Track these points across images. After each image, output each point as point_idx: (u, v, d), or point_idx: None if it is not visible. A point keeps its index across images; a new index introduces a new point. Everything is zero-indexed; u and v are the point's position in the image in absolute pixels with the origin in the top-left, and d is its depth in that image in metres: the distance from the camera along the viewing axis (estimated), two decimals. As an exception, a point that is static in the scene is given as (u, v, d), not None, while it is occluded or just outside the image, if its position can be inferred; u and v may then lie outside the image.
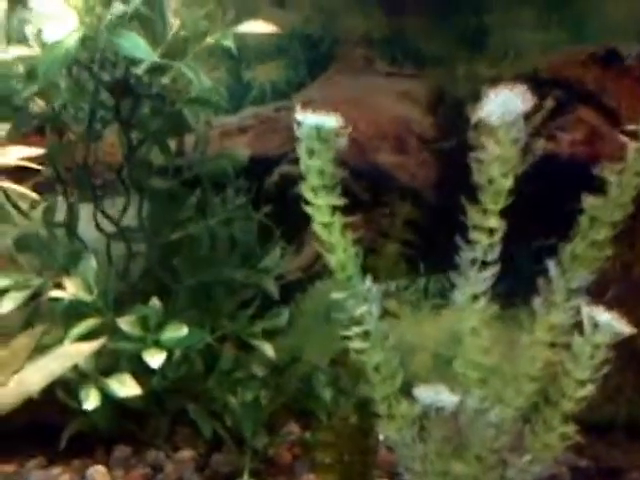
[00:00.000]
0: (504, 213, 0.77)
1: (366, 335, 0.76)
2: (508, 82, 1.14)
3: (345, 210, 0.78)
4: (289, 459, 1.09)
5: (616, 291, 1.10)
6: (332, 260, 0.78)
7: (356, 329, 0.77)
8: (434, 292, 1.00)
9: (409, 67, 1.26)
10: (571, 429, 0.76)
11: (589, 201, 0.70)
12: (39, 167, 0.95)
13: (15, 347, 1.01)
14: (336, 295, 0.79)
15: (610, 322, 0.77)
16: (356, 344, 0.78)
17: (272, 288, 1.15)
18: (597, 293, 1.05)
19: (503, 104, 0.72)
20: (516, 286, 0.83)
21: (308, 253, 1.08)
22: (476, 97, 0.90)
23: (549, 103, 1.13)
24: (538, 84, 1.17)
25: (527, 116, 1.09)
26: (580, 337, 0.79)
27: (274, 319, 1.16)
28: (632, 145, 0.68)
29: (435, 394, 0.82)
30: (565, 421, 0.76)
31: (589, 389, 0.78)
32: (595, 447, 1.07)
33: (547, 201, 0.92)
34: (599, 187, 0.72)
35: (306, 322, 1.16)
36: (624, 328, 0.76)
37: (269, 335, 1.17)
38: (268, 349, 1.13)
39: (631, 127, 0.67)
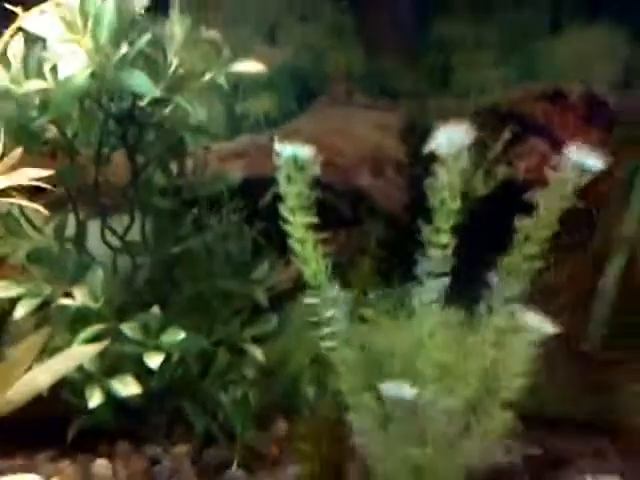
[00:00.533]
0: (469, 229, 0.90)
1: (334, 335, 0.84)
2: (472, 115, 1.27)
3: (329, 226, 0.86)
4: (276, 452, 1.16)
5: (564, 299, 1.22)
6: (306, 271, 0.86)
7: (326, 329, 0.84)
8: (408, 301, 1.11)
9: (385, 101, 1.35)
10: (508, 416, 0.85)
11: (522, 221, 0.79)
12: (51, 187, 1.05)
13: (25, 346, 1.09)
14: (309, 301, 0.85)
15: (538, 323, 0.85)
16: (327, 343, 0.85)
17: (262, 298, 1.23)
18: (547, 301, 1.17)
19: (449, 138, 0.81)
20: (473, 294, 0.95)
21: (297, 266, 1.18)
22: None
23: (507, 134, 1.28)
24: (498, 117, 1.32)
25: (487, 145, 1.22)
26: (514, 336, 0.87)
27: (263, 325, 1.23)
28: (554, 174, 0.78)
29: (397, 388, 0.92)
30: (504, 408, 0.84)
31: (523, 380, 0.86)
32: (547, 439, 1.16)
33: (507, 219, 1.03)
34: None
35: (293, 328, 1.25)
36: (550, 329, 0.84)
37: (259, 340, 1.25)
38: (258, 353, 1.20)
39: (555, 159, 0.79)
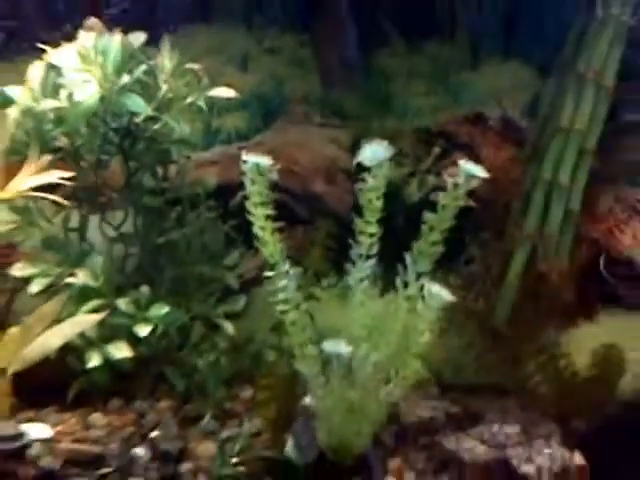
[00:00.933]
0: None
1: (286, 301, 1.06)
2: (408, 134, 1.49)
3: (289, 223, 1.10)
4: (242, 409, 1.34)
5: (481, 285, 1.39)
6: (265, 252, 1.08)
7: (280, 296, 1.06)
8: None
9: (336, 120, 1.55)
10: (417, 365, 1.06)
11: (428, 215, 1.03)
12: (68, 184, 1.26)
13: (39, 314, 1.28)
14: (267, 274, 1.07)
15: (439, 292, 1.06)
16: (280, 307, 1.07)
17: (233, 281, 1.45)
18: (467, 287, 1.38)
19: (373, 152, 1.03)
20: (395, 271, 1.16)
21: (262, 256, 1.39)
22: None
23: (436, 150, 1.49)
24: (430, 136, 1.54)
25: (420, 158, 1.44)
26: (422, 303, 1.08)
27: (233, 304, 1.44)
28: (450, 179, 1.01)
29: (336, 345, 1.10)
30: (416, 359, 1.06)
31: (428, 336, 1.08)
32: (465, 399, 1.35)
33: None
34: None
35: (258, 307, 1.42)
36: (449, 297, 1.05)
37: (230, 317, 1.44)
38: (229, 327, 1.40)
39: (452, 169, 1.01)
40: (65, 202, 1.27)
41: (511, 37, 1.88)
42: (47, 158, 1.27)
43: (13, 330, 1.30)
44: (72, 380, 1.37)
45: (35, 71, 1.33)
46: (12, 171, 1.28)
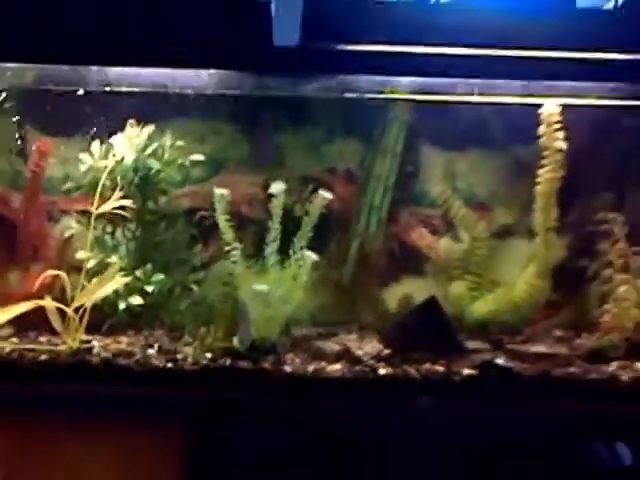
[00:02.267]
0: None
1: (235, 263, 1.82)
2: (299, 179, 2.25)
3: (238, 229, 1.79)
4: (206, 329, 1.88)
5: (336, 260, 2.05)
6: (226, 239, 1.77)
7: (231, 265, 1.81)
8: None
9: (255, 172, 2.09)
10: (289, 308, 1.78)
11: (305, 218, 1.91)
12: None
13: (101, 278, 1.83)
14: (226, 249, 1.78)
15: (310, 255, 1.74)
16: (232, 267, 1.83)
17: (197, 262, 2.05)
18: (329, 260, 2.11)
19: (276, 187, 1.73)
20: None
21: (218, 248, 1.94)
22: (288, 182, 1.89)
23: (310, 186, 2.01)
24: (307, 179, 2.09)
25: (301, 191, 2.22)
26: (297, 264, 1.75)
27: (197, 275, 2.04)
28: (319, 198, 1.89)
29: (260, 287, 1.75)
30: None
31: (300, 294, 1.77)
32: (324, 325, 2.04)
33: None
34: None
35: (212, 277, 2.05)
36: (314, 257, 1.73)
37: (196, 283, 2.04)
38: (195, 288, 2.01)
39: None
40: (125, 214, 1.90)
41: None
42: (119, 194, 1.86)
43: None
44: (107, 318, 1.97)
45: (95, 145, 1.94)
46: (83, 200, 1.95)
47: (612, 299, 1.95)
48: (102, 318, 1.96)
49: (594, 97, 1.81)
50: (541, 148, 1.86)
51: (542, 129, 1.81)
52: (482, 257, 2.06)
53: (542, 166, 1.85)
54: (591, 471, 1.85)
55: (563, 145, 1.80)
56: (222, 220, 1.81)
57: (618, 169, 2.05)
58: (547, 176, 1.83)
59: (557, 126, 1.79)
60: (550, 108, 1.79)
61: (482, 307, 2.01)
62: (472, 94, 1.79)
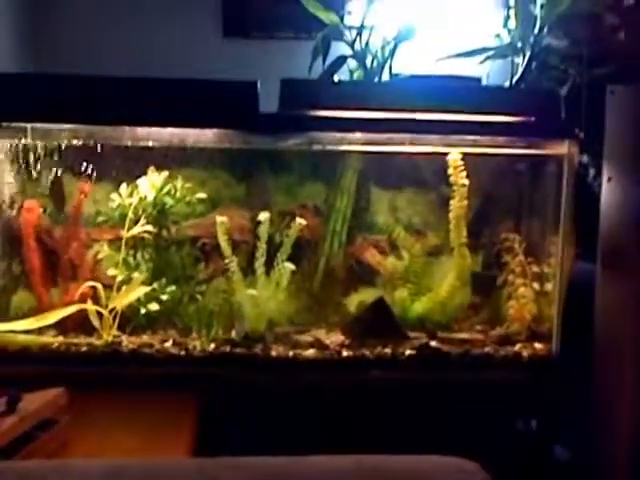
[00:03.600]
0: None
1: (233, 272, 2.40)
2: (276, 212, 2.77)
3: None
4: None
5: (307, 271, 2.63)
6: (225, 255, 2.18)
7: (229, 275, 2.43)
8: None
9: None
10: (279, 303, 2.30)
11: (285, 239, 2.47)
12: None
13: (132, 285, 2.16)
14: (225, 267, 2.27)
15: (289, 265, 2.15)
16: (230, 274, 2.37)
17: (201, 277, 2.33)
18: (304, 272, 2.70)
19: (262, 216, 2.35)
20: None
21: (216, 268, 2.45)
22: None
23: (287, 218, 2.66)
24: (285, 213, 2.41)
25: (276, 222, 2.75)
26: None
27: (201, 287, 2.35)
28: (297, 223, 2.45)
29: (251, 292, 2.41)
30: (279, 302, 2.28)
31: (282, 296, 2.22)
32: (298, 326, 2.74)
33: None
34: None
35: (211, 289, 2.37)
36: (292, 267, 2.16)
37: (200, 293, 2.35)
38: (200, 298, 2.32)
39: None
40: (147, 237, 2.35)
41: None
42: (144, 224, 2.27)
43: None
44: (130, 321, 2.25)
45: (124, 186, 2.30)
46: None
47: (514, 297, 2.50)
48: (127, 323, 2.26)
49: (493, 147, 2.37)
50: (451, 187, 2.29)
51: (450, 170, 2.36)
52: (419, 270, 2.51)
53: (452, 197, 2.34)
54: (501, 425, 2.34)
55: (466, 181, 2.32)
56: (222, 240, 2.17)
57: (515, 201, 2.62)
58: (456, 205, 2.34)
59: (460, 168, 2.33)
60: (454, 155, 2.33)
61: (419, 306, 2.46)
62: (404, 144, 2.32)
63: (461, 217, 2.28)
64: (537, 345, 2.36)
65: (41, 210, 2.33)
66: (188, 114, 2.15)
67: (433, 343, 2.29)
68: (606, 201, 2.03)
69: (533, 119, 2.20)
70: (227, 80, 2.11)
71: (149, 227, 2.25)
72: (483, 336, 2.40)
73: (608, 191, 2.01)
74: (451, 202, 2.32)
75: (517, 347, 2.39)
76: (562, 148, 2.25)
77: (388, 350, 2.29)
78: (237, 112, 2.16)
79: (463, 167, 2.25)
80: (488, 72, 2.51)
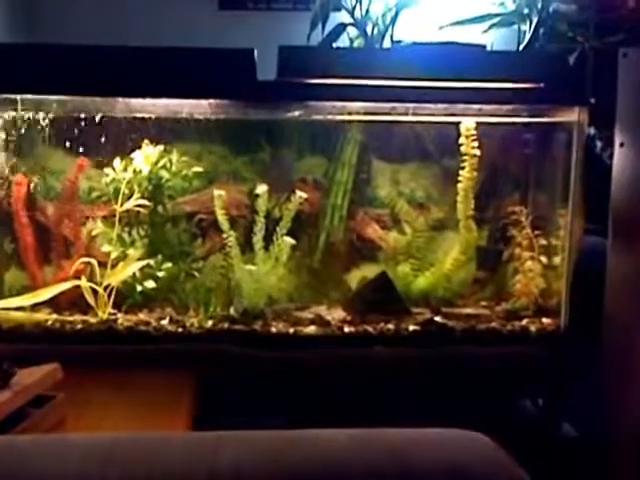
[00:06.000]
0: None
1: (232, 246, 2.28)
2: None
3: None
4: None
5: (308, 247, 2.49)
6: (224, 230, 2.08)
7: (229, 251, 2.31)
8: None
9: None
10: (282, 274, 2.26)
11: (284, 212, 2.31)
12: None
13: (127, 261, 2.08)
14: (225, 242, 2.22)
15: (289, 240, 2.04)
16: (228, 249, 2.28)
17: (198, 254, 2.21)
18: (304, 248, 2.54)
19: (260, 189, 2.31)
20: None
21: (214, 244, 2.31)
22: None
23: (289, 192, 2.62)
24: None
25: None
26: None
27: (197, 264, 2.23)
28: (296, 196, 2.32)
29: (250, 267, 2.37)
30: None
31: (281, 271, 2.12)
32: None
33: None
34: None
35: (208, 266, 2.26)
36: (292, 241, 2.05)
37: (197, 270, 2.24)
38: (197, 274, 2.20)
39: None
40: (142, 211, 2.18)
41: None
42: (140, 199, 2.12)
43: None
44: (126, 298, 2.16)
45: (117, 160, 2.13)
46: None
47: (521, 272, 2.34)
48: (122, 301, 2.16)
49: (500, 115, 2.20)
50: (461, 157, 2.16)
51: (462, 139, 2.20)
52: (421, 244, 2.37)
53: (462, 168, 2.22)
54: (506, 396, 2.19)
55: (477, 152, 2.19)
56: (220, 215, 2.06)
57: (521, 172, 2.45)
58: (466, 175, 2.19)
59: (473, 137, 2.18)
60: (467, 123, 2.19)
61: (422, 282, 2.33)
62: (407, 114, 2.15)
63: (470, 189, 2.14)
64: (545, 320, 2.19)
65: (32, 185, 2.19)
66: (183, 84, 2.00)
67: (437, 318, 2.11)
68: (618, 167, 1.86)
69: (542, 85, 2.00)
70: (223, 48, 1.93)
71: (143, 201, 2.14)
72: (489, 311, 2.21)
73: (620, 157, 1.83)
74: (460, 173, 2.18)
75: (524, 322, 2.25)
76: (572, 115, 2.06)
77: (391, 326, 2.16)
78: (234, 81, 2.01)
79: (475, 136, 2.06)
80: (492, 42, 2.31)
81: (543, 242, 2.30)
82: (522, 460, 0.93)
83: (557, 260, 2.30)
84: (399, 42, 2.25)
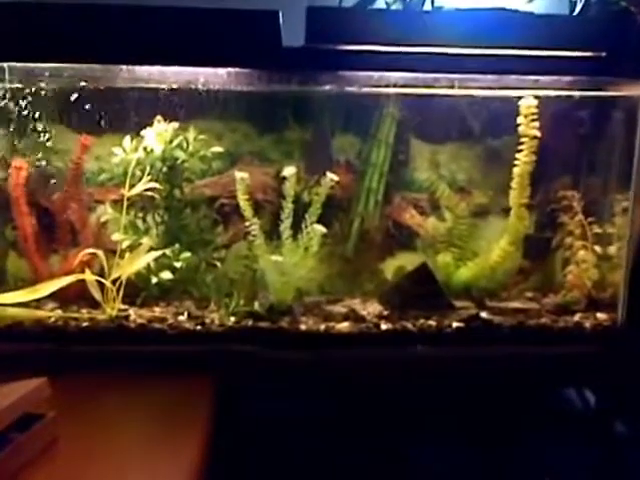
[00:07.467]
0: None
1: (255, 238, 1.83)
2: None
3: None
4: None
5: (341, 235, 2.06)
6: (247, 217, 1.81)
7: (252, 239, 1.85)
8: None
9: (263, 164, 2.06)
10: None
11: (314, 197, 1.99)
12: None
13: (137, 251, 1.84)
14: (247, 229, 1.84)
15: (318, 228, 1.76)
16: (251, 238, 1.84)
17: (219, 242, 2.00)
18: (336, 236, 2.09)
19: (288, 170, 1.83)
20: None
21: (237, 231, 2.02)
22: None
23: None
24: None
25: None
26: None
27: (219, 253, 2.01)
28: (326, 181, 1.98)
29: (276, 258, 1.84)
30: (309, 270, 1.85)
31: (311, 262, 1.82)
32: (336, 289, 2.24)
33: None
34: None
35: (231, 255, 2.03)
36: (322, 229, 1.76)
37: (219, 260, 2.01)
38: (218, 264, 1.98)
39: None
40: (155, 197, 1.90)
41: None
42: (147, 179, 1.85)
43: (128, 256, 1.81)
44: (140, 291, 1.93)
45: (127, 139, 1.89)
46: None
47: (573, 262, 2.01)
48: (136, 294, 1.94)
49: (556, 89, 1.86)
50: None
51: (520, 119, 1.85)
52: (463, 232, 2.11)
53: (519, 151, 1.87)
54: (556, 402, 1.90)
55: (538, 133, 1.84)
56: (243, 200, 1.81)
57: (574, 155, 2.12)
58: (523, 159, 1.87)
59: (533, 117, 1.84)
60: (528, 101, 1.85)
61: (465, 272, 2.04)
62: (452, 87, 1.82)
63: (526, 174, 1.89)
64: (600, 315, 1.95)
65: (32, 169, 1.91)
66: (197, 50, 1.67)
67: (483, 314, 1.80)
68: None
69: (604, 54, 1.66)
70: (243, 10, 1.64)
71: (154, 184, 1.87)
72: (537, 305, 1.90)
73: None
74: (517, 156, 1.89)
75: (577, 317, 1.96)
76: (638, 89, 1.71)
77: (433, 322, 1.88)
78: (255, 47, 1.68)
79: (536, 115, 1.82)
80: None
81: (597, 230, 1.96)
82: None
83: (612, 250, 2.02)
84: (440, 8, 1.90)
